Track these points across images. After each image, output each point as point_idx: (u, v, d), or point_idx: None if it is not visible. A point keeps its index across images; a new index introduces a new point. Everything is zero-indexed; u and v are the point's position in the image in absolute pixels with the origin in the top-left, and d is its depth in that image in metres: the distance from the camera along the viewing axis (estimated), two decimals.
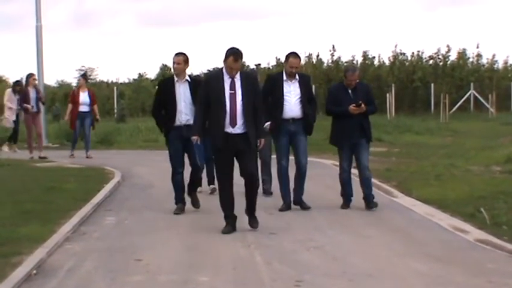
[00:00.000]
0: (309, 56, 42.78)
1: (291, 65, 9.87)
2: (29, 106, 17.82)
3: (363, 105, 9.85)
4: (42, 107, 19.14)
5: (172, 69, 9.98)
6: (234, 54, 8.30)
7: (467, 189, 11.25)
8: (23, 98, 18.12)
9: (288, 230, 8.72)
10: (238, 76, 8.32)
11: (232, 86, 8.28)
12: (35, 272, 6.68)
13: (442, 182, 12.37)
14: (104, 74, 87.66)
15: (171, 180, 9.98)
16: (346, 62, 43.30)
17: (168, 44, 72.08)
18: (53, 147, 21.32)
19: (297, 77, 9.91)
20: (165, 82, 10.35)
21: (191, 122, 9.29)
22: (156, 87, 10.04)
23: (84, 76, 18.46)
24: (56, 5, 71.32)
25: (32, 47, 24.32)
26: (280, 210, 9.92)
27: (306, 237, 8.27)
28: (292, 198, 10.07)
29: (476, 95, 38.85)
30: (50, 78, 50.33)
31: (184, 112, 9.64)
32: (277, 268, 6.84)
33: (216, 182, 9.63)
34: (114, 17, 77.16)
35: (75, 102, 17.73)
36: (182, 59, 9.76)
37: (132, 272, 6.74)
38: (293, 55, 9.95)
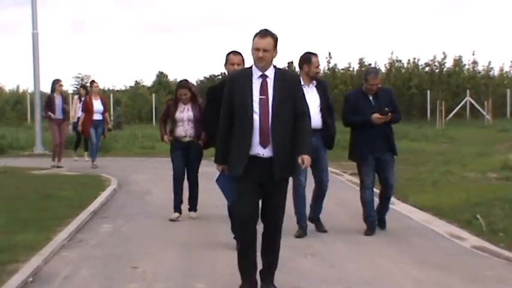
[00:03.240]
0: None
1: (316, 64, 8.75)
2: (51, 114, 16.98)
3: (389, 113, 8.67)
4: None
5: (226, 72, 8.35)
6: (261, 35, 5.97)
7: (463, 195, 11.25)
8: (48, 104, 17.28)
9: (284, 236, 8.66)
10: (271, 73, 5.90)
11: (264, 90, 5.86)
12: (31, 279, 6.66)
13: (439, 188, 12.38)
14: (100, 81, 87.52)
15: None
16: (342, 70, 43.41)
17: (164, 51, 72.20)
18: (49, 155, 21.28)
19: (314, 82, 8.74)
20: (218, 89, 8.21)
21: None
22: (206, 96, 8.41)
23: (96, 82, 17.61)
24: (52, 12, 71.36)
25: (28, 54, 24.31)
26: (297, 236, 8.57)
27: (303, 244, 8.26)
28: (308, 215, 8.92)
29: (472, 102, 38.94)
30: (47, 86, 50.25)
31: None
32: None
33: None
34: (110, 24, 77.23)
35: (89, 111, 16.97)
36: (242, 59, 8.05)
37: (128, 280, 6.72)
38: (313, 54, 8.79)
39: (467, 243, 8.28)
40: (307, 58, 8.71)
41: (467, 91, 39.61)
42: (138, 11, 79.68)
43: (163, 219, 9.91)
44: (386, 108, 8.61)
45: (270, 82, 5.83)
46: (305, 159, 5.78)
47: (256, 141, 5.78)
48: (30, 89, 37.98)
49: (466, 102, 39.19)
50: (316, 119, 8.36)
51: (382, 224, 9.11)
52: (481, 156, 17.69)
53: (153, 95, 44.84)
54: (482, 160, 16.73)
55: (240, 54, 8.03)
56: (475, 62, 43.57)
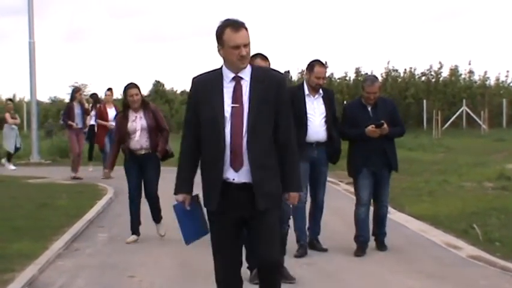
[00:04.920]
0: (302, 73, 42.91)
1: (317, 75, 7.98)
2: (73, 124, 16.42)
3: (385, 125, 7.95)
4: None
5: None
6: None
7: (460, 205, 11.25)
8: (67, 113, 16.72)
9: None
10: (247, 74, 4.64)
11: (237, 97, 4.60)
12: None
13: (435, 198, 12.38)
14: (96, 90, 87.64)
15: None
16: (339, 79, 43.44)
17: (160, 60, 72.22)
18: (46, 164, 21.26)
19: (321, 91, 8.09)
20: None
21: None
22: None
23: (111, 90, 17.02)
24: (49, 21, 71.43)
25: (24, 62, 24.33)
26: (297, 256, 7.94)
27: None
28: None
29: (469, 111, 38.98)
30: (43, 95, 50.31)
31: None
32: None
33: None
34: (106, 33, 77.29)
35: (104, 120, 16.40)
36: (269, 64, 7.04)
37: None
38: (319, 63, 8.08)
39: (464, 252, 8.27)
40: (310, 66, 8.05)
41: (464, 101, 39.66)
42: (133, 20, 79.84)
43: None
44: (381, 121, 7.92)
45: (246, 86, 4.55)
46: (291, 198, 4.74)
47: (227, 163, 4.50)
48: (27, 98, 37.95)
49: (462, 111, 39.23)
50: (320, 132, 7.88)
51: (381, 246, 8.49)
52: (478, 166, 17.70)
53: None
54: (479, 170, 16.74)
55: (267, 59, 7.03)
56: (471, 72, 43.63)
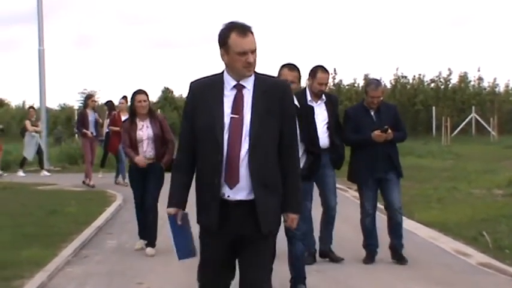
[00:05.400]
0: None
1: (320, 81, 7.92)
2: (88, 132, 16.26)
3: (389, 130, 7.89)
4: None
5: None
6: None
7: (469, 212, 11.22)
8: (81, 121, 16.59)
9: (286, 254, 8.66)
10: (250, 82, 4.23)
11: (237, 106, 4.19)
12: None
13: (444, 205, 12.35)
14: (106, 96, 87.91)
15: None
16: (347, 85, 43.44)
17: (169, 66, 72.36)
18: (55, 170, 21.32)
19: (324, 97, 8.03)
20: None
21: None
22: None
23: (126, 98, 16.73)
24: (58, 27, 71.72)
25: (33, 69, 24.43)
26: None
27: None
28: (318, 248, 8.21)
29: (478, 118, 38.90)
30: (52, 102, 50.46)
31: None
32: None
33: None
34: (115, 40, 77.52)
35: (118, 127, 15.62)
36: (298, 76, 6.74)
37: None
38: (322, 69, 7.98)
39: (473, 259, 8.25)
40: (313, 71, 7.94)
41: (473, 107, 39.59)
42: (143, 27, 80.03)
43: (166, 235, 9.88)
44: (386, 126, 7.84)
45: (248, 95, 4.16)
46: (290, 220, 4.32)
47: (222, 178, 4.11)
48: (36, 105, 38.12)
49: (471, 118, 39.14)
50: (322, 138, 7.50)
51: (399, 257, 8.07)
52: (487, 173, 17.65)
53: (159, 110, 44.94)
54: (488, 177, 16.70)
55: (296, 69, 6.68)
56: (480, 79, 43.56)
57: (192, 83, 4.30)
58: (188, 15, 78.61)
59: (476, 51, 66.00)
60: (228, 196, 4.11)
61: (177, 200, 4.34)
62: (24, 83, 71.68)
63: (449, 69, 43.73)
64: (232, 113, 4.12)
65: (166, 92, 47.43)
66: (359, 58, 68.08)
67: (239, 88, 4.16)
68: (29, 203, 12.56)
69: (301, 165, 5.90)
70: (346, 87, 43.56)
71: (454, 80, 43.27)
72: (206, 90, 4.22)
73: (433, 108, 39.90)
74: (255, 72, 4.19)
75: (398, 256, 8.07)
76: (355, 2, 72.88)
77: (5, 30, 74.49)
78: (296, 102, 5.80)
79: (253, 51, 4.12)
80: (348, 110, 8.43)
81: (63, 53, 71.54)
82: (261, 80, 4.20)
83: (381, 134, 7.81)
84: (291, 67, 6.60)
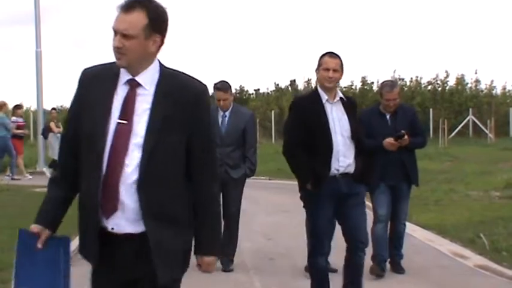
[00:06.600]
0: (308, 82, 42.99)
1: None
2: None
3: (406, 136, 7.21)
4: None
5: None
6: None
7: (466, 214, 11.24)
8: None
9: (287, 256, 8.69)
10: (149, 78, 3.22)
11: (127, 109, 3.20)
12: None
13: (442, 207, 12.37)
14: None
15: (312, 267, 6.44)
16: (345, 88, 43.50)
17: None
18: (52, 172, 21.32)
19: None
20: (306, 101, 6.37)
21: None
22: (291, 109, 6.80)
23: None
24: (55, 29, 71.72)
25: (31, 71, 24.43)
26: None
27: (305, 263, 8.22)
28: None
29: (475, 120, 38.93)
30: (49, 103, 50.47)
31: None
32: None
33: None
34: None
35: None
36: (340, 63, 6.03)
37: None
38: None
39: (471, 262, 8.26)
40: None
41: (470, 109, 39.62)
42: None
43: None
44: (402, 131, 7.16)
45: (146, 96, 3.17)
46: (204, 264, 3.40)
47: (99, 203, 3.18)
48: (33, 107, 38.08)
49: (468, 120, 39.18)
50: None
51: (397, 268, 7.73)
52: (484, 175, 17.67)
53: None
54: (486, 179, 16.71)
55: (338, 56, 5.97)
56: (477, 81, 43.60)
57: (83, 70, 3.30)
58: (186, 15, 78.65)
59: (474, 54, 66.05)
60: (113, 228, 3.17)
61: (48, 219, 3.41)
62: (21, 85, 71.62)
63: (446, 72, 43.72)
64: (119, 118, 3.14)
65: None
66: (356, 60, 68.08)
67: (132, 85, 3.18)
68: (26, 205, 12.52)
69: (354, 167, 5.81)
70: (344, 89, 43.61)
71: (451, 82, 43.34)
72: (96, 82, 3.21)
73: (430, 110, 39.92)
74: (164, 67, 3.26)
75: (399, 267, 7.72)
76: (352, 5, 72.97)
77: (2, 32, 74.48)
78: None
79: (126, 35, 3.10)
80: (360, 114, 7.30)
81: (60, 54, 71.51)
82: (168, 79, 3.22)
83: (393, 143, 7.18)
84: (332, 54, 5.97)
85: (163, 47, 3.25)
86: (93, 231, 3.20)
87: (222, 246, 6.57)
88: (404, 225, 7.82)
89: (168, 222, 3.15)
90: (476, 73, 51.54)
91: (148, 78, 3.18)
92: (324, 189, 5.80)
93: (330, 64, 5.87)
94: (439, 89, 43.10)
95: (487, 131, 37.56)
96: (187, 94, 3.19)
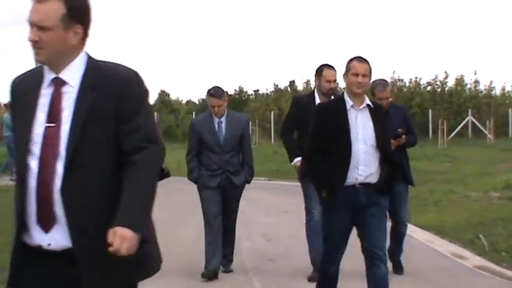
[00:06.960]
0: (307, 82, 43.02)
1: (327, 78, 7.30)
2: None
3: (403, 135, 7.14)
4: None
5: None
6: None
7: (466, 215, 11.25)
8: None
9: (286, 256, 8.69)
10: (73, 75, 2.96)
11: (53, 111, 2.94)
12: None
13: (441, 208, 12.37)
14: None
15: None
16: (344, 89, 43.48)
17: (165, 69, 72.38)
18: None
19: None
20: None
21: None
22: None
23: None
24: None
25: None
26: (310, 279, 7.17)
27: (305, 263, 8.23)
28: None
29: (474, 121, 38.95)
30: None
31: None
32: None
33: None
34: (114, 41, 77.53)
35: None
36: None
37: None
38: (327, 66, 7.37)
39: (470, 262, 8.26)
40: (318, 70, 7.30)
41: (469, 110, 39.64)
42: (140, 28, 80.00)
43: (168, 240, 9.89)
44: (399, 130, 7.05)
45: (71, 94, 2.91)
46: (118, 236, 2.76)
47: (33, 218, 2.96)
48: None
49: (468, 121, 39.20)
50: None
51: (398, 269, 7.68)
52: (483, 176, 17.68)
53: (155, 113, 44.93)
54: (485, 179, 16.73)
55: (366, 61, 5.80)
56: (476, 82, 43.65)
57: (12, 80, 3.11)
58: (184, 18, 78.68)
59: (473, 54, 66.15)
60: (49, 245, 2.90)
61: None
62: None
63: (445, 72, 43.74)
64: (47, 122, 2.88)
65: (163, 95, 47.44)
66: None
67: (57, 84, 2.93)
68: None
69: (376, 177, 5.52)
70: (343, 90, 43.63)
71: (451, 83, 43.38)
72: (22, 89, 3.02)
73: (430, 111, 39.94)
74: (92, 60, 3.00)
75: (398, 267, 7.65)
76: (351, 6, 73.03)
77: (2, 32, 74.50)
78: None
79: (42, 27, 2.87)
80: None
81: None
82: (93, 72, 2.94)
83: (393, 142, 6.84)
84: (361, 59, 5.75)
85: (88, 39, 3.00)
86: (18, 248, 3.03)
87: (222, 246, 7.02)
88: (406, 225, 7.79)
89: (97, 228, 2.83)
90: (475, 74, 51.73)
91: (73, 74, 2.93)
92: (340, 198, 5.51)
93: (359, 69, 5.64)
94: (439, 89, 43.12)
95: (486, 132, 37.58)
96: (111, 84, 2.90)
